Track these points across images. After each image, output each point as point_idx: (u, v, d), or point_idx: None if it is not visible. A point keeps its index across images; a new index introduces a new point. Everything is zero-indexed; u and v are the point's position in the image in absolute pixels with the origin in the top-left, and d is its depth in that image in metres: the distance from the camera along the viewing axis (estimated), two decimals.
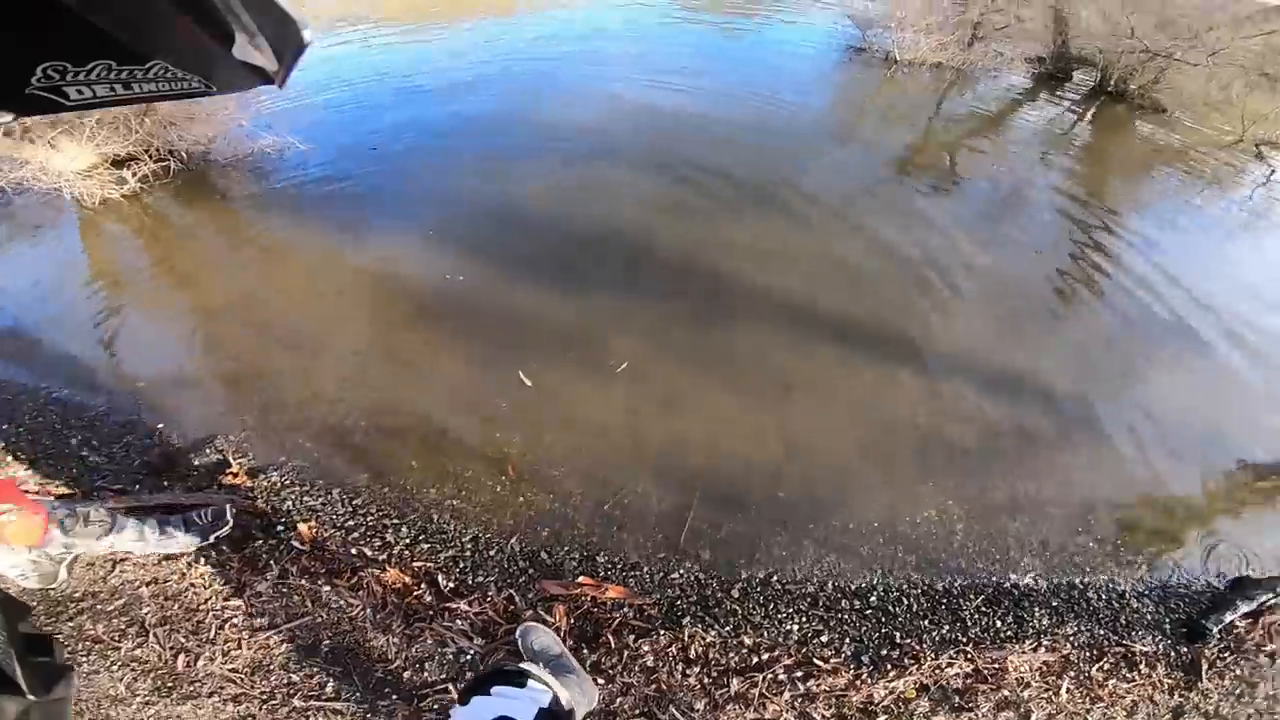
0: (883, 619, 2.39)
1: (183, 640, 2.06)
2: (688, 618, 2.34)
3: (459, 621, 2.17)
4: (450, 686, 2.02)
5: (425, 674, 2.07)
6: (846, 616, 2.39)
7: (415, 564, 2.37)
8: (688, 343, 3.47)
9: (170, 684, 1.97)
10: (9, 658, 0.83)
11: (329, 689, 1.99)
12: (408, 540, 2.49)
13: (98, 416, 2.81)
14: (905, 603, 2.44)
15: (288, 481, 2.68)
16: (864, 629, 2.36)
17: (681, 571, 2.47)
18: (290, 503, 2.59)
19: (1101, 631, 2.36)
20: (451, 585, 2.33)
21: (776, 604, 2.40)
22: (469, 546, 2.49)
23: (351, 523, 2.53)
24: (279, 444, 2.79)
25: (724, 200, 4.57)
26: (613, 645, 2.21)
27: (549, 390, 3.14)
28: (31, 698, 0.81)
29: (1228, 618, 2.33)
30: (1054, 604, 2.45)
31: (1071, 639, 2.32)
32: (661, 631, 2.27)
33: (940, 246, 4.23)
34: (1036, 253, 4.19)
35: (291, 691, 1.98)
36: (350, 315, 3.48)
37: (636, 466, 2.83)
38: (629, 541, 2.56)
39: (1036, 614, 2.41)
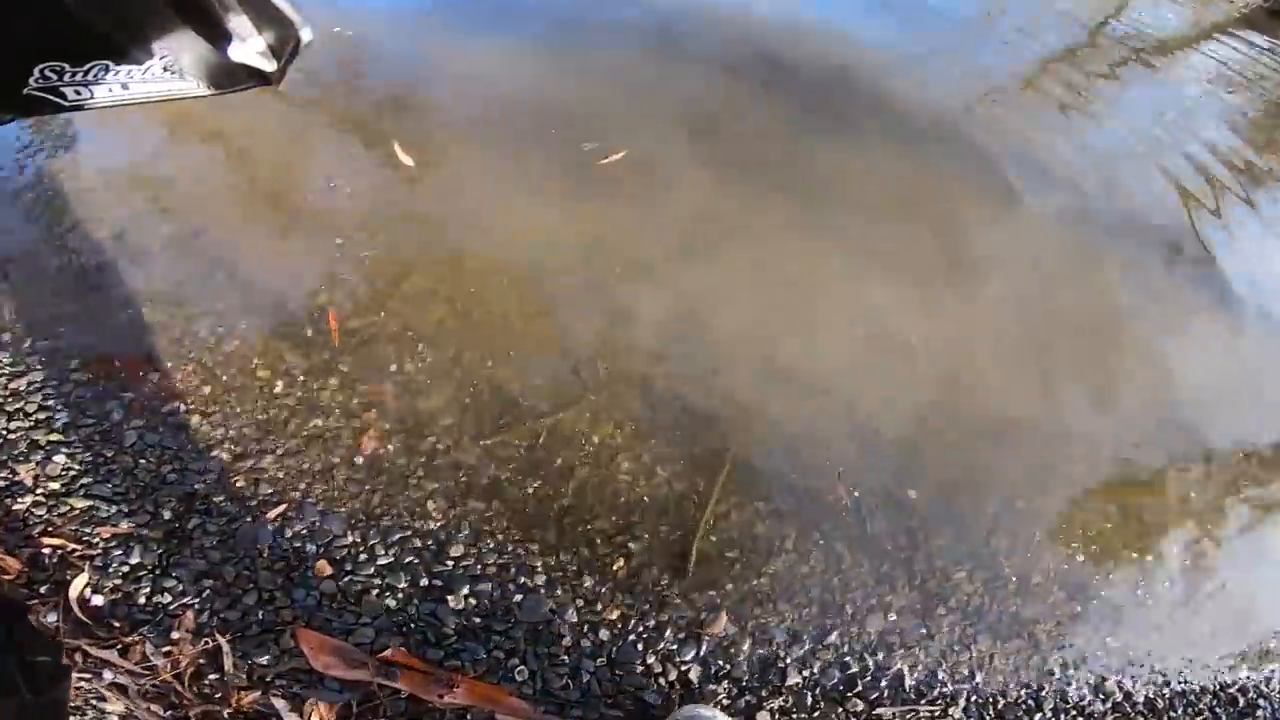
0: None
1: None
2: None
3: (109, 673, 1.19)
4: None
5: None
6: None
7: (48, 537, 1.28)
8: (752, 146, 2.08)
9: None
10: (6, 656, 0.83)
11: None
12: (56, 483, 1.33)
13: None
14: None
15: None
16: None
17: (663, 664, 1.26)
18: None
19: None
20: (101, 600, 1.24)
21: None
22: (167, 511, 1.30)
23: None
24: None
25: None
26: None
27: (443, 183, 1.81)
28: (29, 697, 0.82)
29: None
30: None
31: None
32: None
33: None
34: None
35: None
36: None
37: (600, 384, 1.55)
38: (543, 571, 1.31)
39: None
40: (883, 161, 2.18)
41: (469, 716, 1.21)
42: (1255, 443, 1.80)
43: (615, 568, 1.35)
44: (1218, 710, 1.41)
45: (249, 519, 1.33)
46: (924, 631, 1.37)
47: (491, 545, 1.35)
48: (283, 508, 1.35)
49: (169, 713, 1.21)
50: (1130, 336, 1.94)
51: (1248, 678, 1.46)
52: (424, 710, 1.20)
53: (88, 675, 1.22)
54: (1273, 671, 1.48)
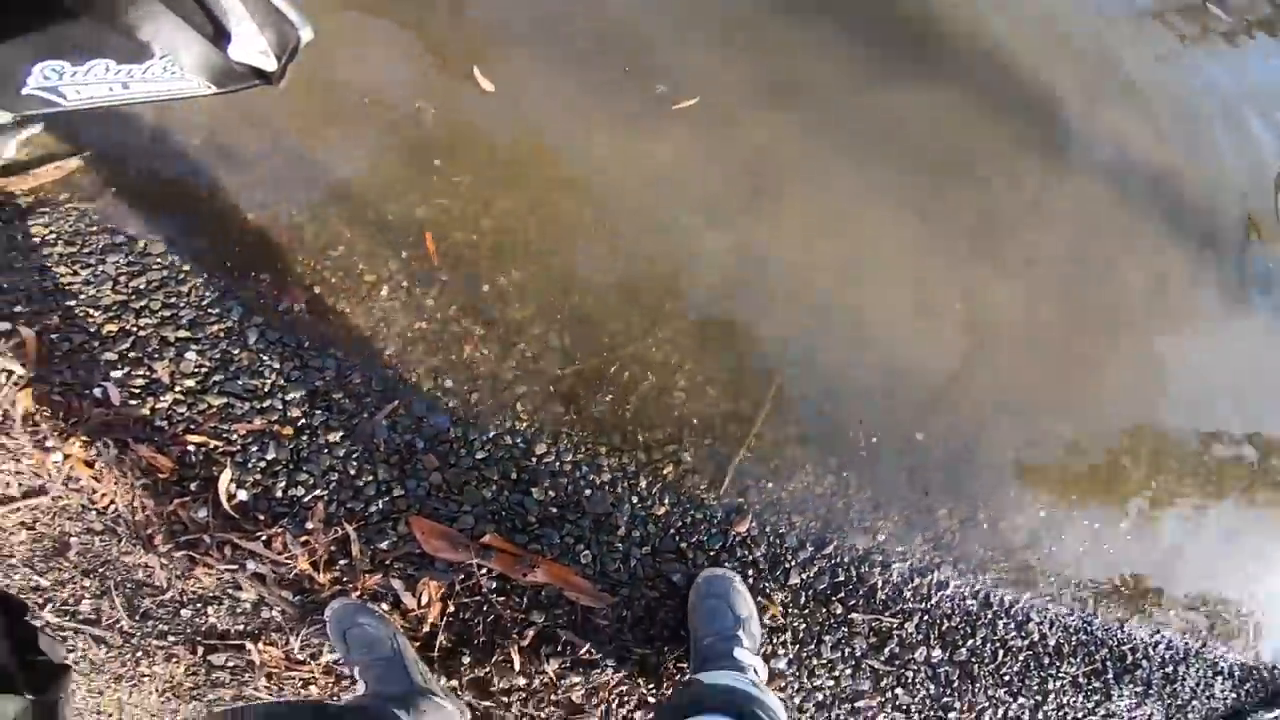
0: None
1: None
2: (672, 648, 1.54)
3: (252, 564, 1.46)
4: (250, 645, 1.48)
5: (210, 619, 1.49)
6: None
7: (190, 435, 1.49)
8: (827, 96, 2.07)
9: None
10: (6, 656, 0.83)
11: (85, 607, 1.50)
12: (192, 380, 1.52)
13: None
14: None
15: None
16: None
17: (694, 552, 1.57)
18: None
19: None
20: (245, 495, 1.47)
21: (856, 646, 1.63)
22: (295, 409, 1.52)
23: (113, 322, 1.55)
24: None
25: None
26: (516, 666, 1.48)
27: (528, 114, 1.88)
28: (29, 696, 0.81)
29: None
30: None
31: None
32: (611, 665, 1.52)
33: None
34: None
35: (42, 600, 1.50)
36: None
37: (669, 309, 1.74)
38: (608, 472, 1.58)
39: None
40: (964, 117, 2.17)
41: (544, 592, 1.51)
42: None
43: (666, 472, 1.62)
44: (1108, 663, 1.76)
45: (365, 415, 1.56)
46: (900, 554, 1.68)
47: (567, 445, 1.60)
48: (394, 404, 1.57)
49: (298, 597, 1.49)
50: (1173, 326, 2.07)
51: (1140, 639, 1.79)
52: (510, 586, 1.51)
53: (233, 567, 1.47)
54: (1162, 638, 1.81)
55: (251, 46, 0.84)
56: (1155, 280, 2.10)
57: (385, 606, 1.47)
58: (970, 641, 1.69)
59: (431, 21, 1.97)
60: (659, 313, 1.75)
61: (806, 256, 1.88)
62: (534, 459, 1.59)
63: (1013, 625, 1.72)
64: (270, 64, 0.87)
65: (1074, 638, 1.75)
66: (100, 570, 1.52)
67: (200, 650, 1.51)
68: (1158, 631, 1.80)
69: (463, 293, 1.70)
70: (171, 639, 1.51)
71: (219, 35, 0.81)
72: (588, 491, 1.58)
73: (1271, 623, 1.89)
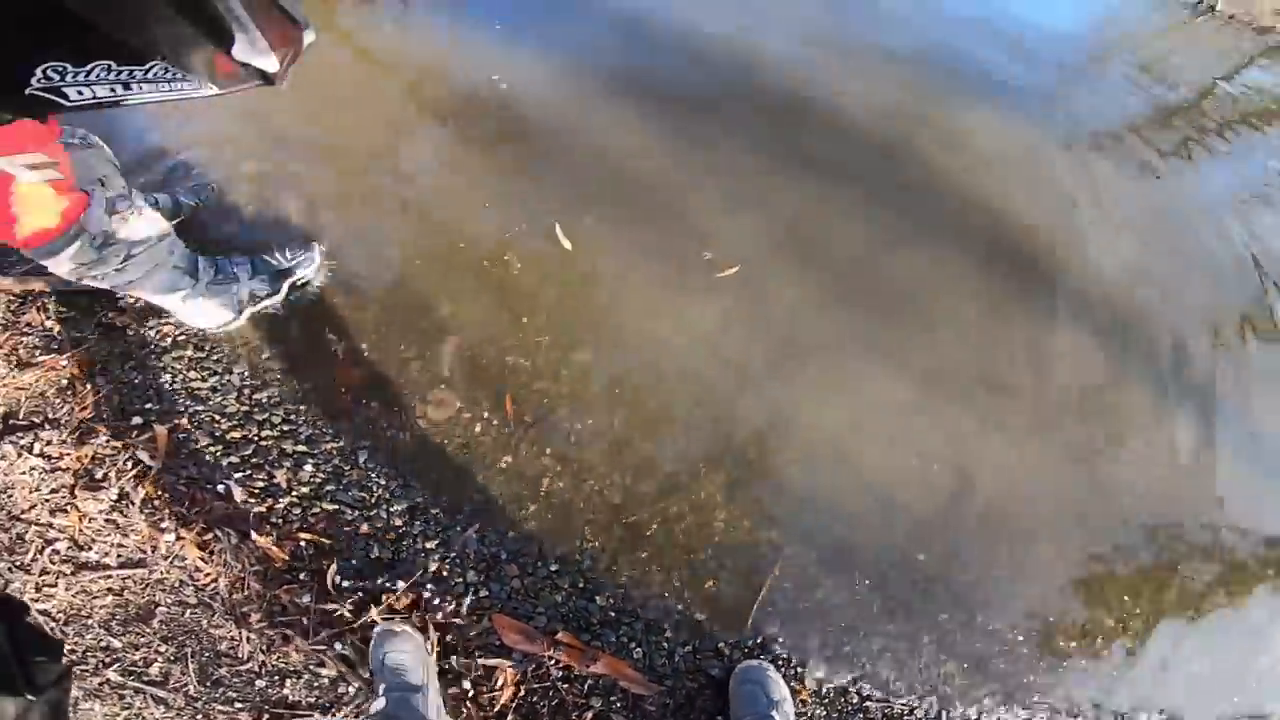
0: None
1: None
2: None
3: (340, 645, 1.67)
4: (319, 716, 1.64)
5: (285, 691, 1.65)
6: None
7: (302, 534, 1.74)
8: (854, 269, 2.36)
9: None
10: (7, 656, 0.83)
11: (155, 670, 1.64)
12: (307, 488, 1.78)
13: None
14: None
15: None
16: None
17: (730, 650, 1.80)
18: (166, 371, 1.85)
19: None
20: (345, 581, 1.71)
21: None
22: (398, 519, 1.78)
23: (237, 430, 1.82)
24: None
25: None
26: None
27: (596, 271, 2.19)
28: (30, 697, 0.81)
29: None
30: None
31: None
32: None
33: None
34: None
35: (109, 659, 1.63)
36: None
37: (710, 455, 1.99)
38: (657, 585, 1.83)
39: None
40: (967, 281, 2.44)
41: (601, 681, 1.75)
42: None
43: (708, 588, 1.90)
44: None
45: (458, 529, 1.83)
46: (910, 652, 1.93)
47: (626, 563, 1.88)
48: (479, 523, 1.85)
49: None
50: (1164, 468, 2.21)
51: None
52: (574, 675, 1.74)
53: (321, 646, 1.67)
54: None
55: (254, 47, 0.83)
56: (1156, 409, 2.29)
57: (466, 685, 1.73)
58: None
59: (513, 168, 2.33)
60: (701, 461, 2.04)
61: (826, 423, 2.14)
62: (598, 573, 1.86)
63: None
64: (272, 65, 0.86)
65: None
66: (180, 638, 1.67)
67: (266, 718, 1.65)
68: None
69: (543, 436, 1.98)
70: (238, 705, 1.65)
71: (220, 35, 0.80)
72: (641, 601, 1.85)
73: None
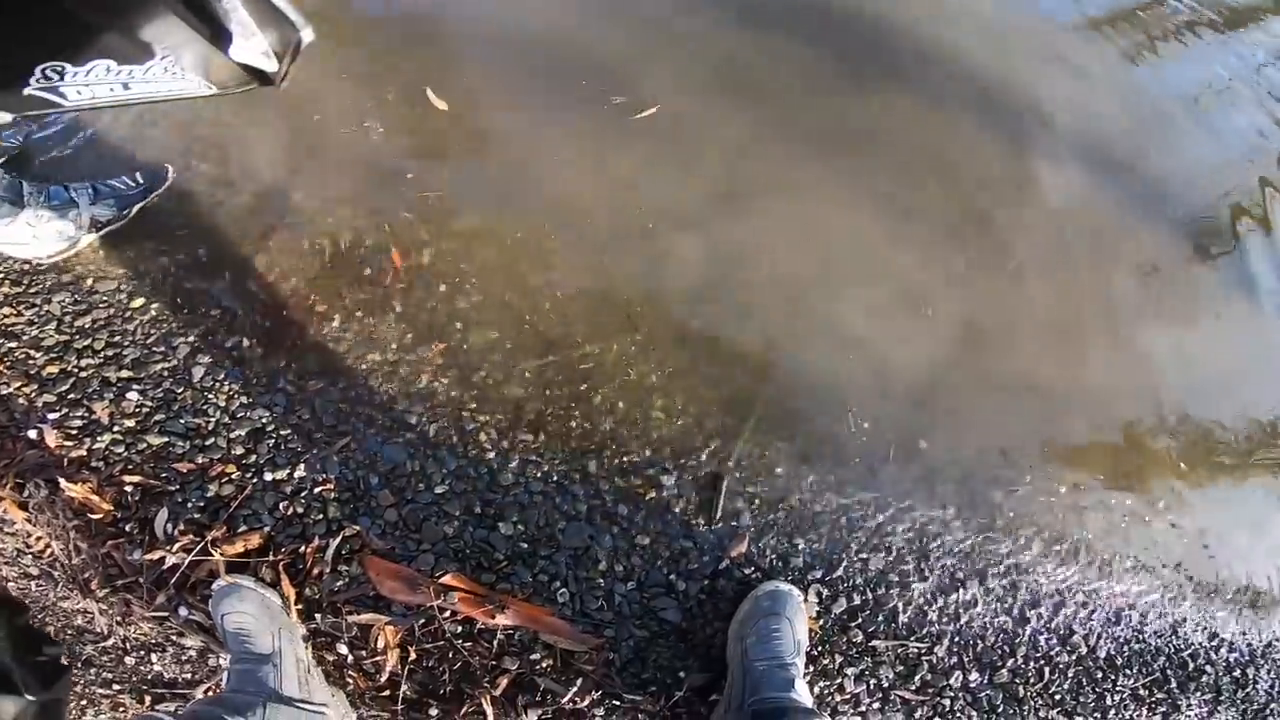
0: None
1: None
2: (669, 693, 1.35)
3: (185, 609, 1.32)
4: (199, 694, 1.39)
5: (156, 667, 1.40)
6: None
7: (126, 476, 1.37)
8: (789, 101, 2.06)
9: None
10: (7, 656, 0.84)
11: None
12: (132, 420, 1.42)
13: None
14: None
15: None
16: None
17: (685, 583, 1.41)
18: None
19: None
20: (178, 528, 1.34)
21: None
22: (239, 447, 1.41)
23: (54, 364, 1.47)
24: None
25: None
26: (489, 717, 1.30)
27: (484, 131, 1.83)
28: (29, 697, 0.82)
29: None
30: None
31: None
32: (599, 716, 1.34)
33: None
34: None
35: None
36: None
37: (643, 325, 1.63)
38: (583, 500, 1.44)
39: None
40: (921, 117, 2.17)
41: (517, 635, 1.36)
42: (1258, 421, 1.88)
43: (648, 498, 1.48)
44: (1169, 672, 1.58)
45: (315, 450, 1.44)
46: (919, 572, 1.51)
47: (538, 475, 1.47)
48: (346, 439, 1.46)
49: None
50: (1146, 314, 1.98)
51: (1199, 643, 1.62)
52: (477, 630, 1.36)
53: (166, 614, 1.35)
54: (1223, 639, 1.63)
55: (253, 47, 0.83)
56: (1144, 274, 2.03)
57: (343, 650, 1.34)
58: (1011, 661, 1.50)
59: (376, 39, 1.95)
60: (632, 329, 1.64)
61: (779, 263, 1.80)
62: (499, 491, 1.44)
63: (1055, 640, 1.54)
64: (271, 65, 0.86)
65: (1126, 648, 1.58)
66: (39, 616, 1.42)
67: (148, 700, 1.42)
68: (1215, 635, 1.63)
69: (419, 320, 1.59)
70: (116, 687, 1.43)
71: (220, 36, 0.80)
72: (561, 524, 1.43)
73: None
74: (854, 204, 1.94)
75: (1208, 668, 1.61)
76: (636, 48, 2.09)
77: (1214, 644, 1.63)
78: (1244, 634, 1.65)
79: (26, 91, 0.77)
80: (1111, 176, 2.19)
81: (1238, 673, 1.62)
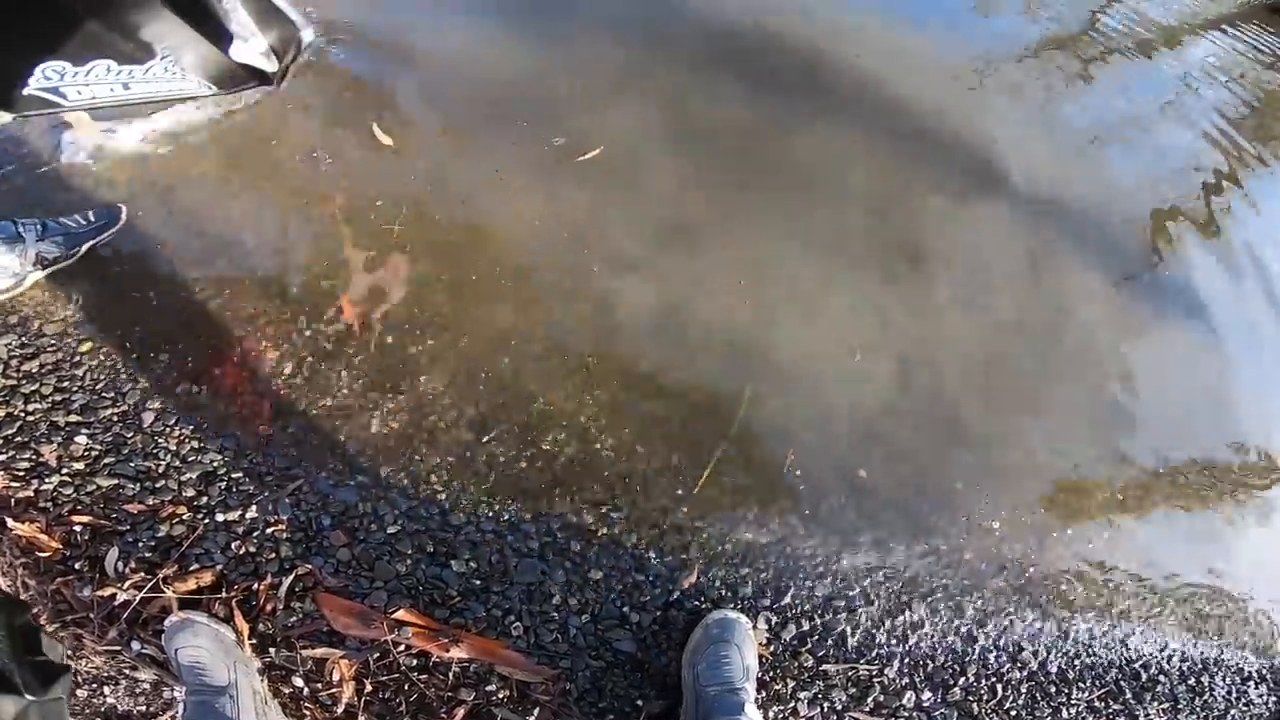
0: None
1: None
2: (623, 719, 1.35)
3: (137, 643, 1.32)
4: None
5: (110, 699, 1.36)
6: None
7: (75, 516, 1.38)
8: (729, 140, 2.17)
9: None
10: (6, 656, 0.84)
11: None
12: (80, 463, 1.42)
13: None
14: None
15: None
16: None
17: (638, 615, 1.42)
18: None
19: None
20: (128, 566, 1.35)
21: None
22: (191, 489, 1.41)
23: (4, 383, 1.47)
24: None
25: None
26: None
27: (431, 169, 1.86)
28: (29, 697, 0.82)
29: None
30: None
31: None
32: None
33: None
34: None
35: None
36: None
37: (589, 367, 1.67)
38: (534, 537, 1.46)
39: None
40: (860, 153, 2.28)
41: (472, 668, 1.36)
42: (1201, 452, 1.95)
43: (600, 534, 1.50)
44: (1122, 684, 1.61)
45: (266, 493, 1.44)
46: (864, 596, 1.54)
47: (489, 514, 1.48)
48: (299, 482, 1.46)
49: None
50: (1088, 338, 2.05)
51: (1150, 654, 1.65)
52: (432, 663, 1.36)
53: (118, 648, 1.34)
54: (1174, 649, 1.67)
55: (253, 47, 0.85)
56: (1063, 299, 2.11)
57: (299, 683, 1.34)
58: (962, 680, 1.53)
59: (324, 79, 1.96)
60: (580, 369, 1.68)
61: (722, 304, 1.86)
62: (451, 530, 1.46)
63: (1005, 657, 1.57)
64: (271, 65, 0.89)
65: (1076, 661, 1.60)
66: None
67: None
68: (1165, 645, 1.67)
69: (370, 366, 1.62)
70: None
71: (220, 36, 0.83)
72: (514, 560, 1.45)
73: None
74: (790, 240, 2.02)
75: (1161, 677, 1.64)
76: (576, 86, 2.16)
77: (1164, 653, 1.66)
78: (1194, 642, 1.69)
79: (27, 91, 0.78)
80: (1043, 206, 2.29)
81: (1192, 681, 1.65)
